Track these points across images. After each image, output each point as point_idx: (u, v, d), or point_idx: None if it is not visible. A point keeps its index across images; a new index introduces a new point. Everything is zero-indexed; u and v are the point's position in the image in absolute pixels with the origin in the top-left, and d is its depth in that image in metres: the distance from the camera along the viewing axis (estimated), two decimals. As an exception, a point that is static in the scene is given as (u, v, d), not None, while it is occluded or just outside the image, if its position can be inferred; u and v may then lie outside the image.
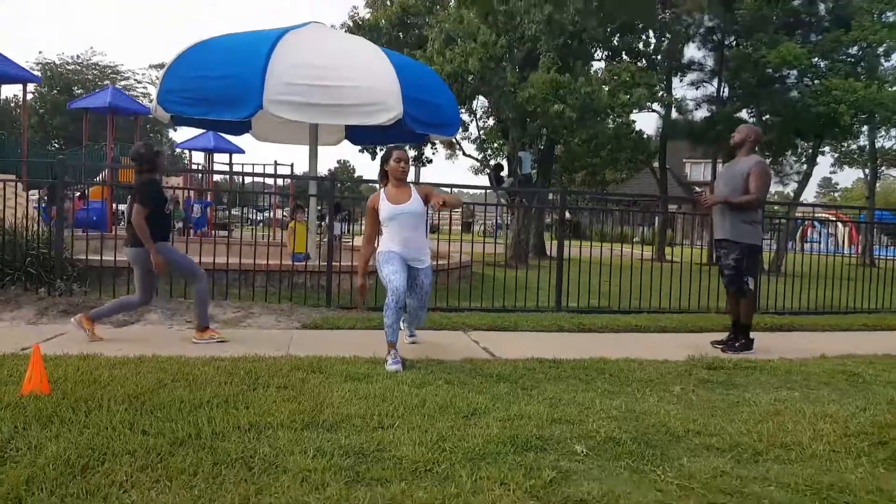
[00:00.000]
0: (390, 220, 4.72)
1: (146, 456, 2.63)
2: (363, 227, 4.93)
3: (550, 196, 16.36)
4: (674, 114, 18.28)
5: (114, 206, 14.55)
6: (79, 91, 41.55)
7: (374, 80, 8.07)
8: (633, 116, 15.59)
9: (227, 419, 3.08)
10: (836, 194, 58.78)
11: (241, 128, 10.38)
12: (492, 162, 18.40)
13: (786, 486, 2.55)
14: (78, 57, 43.72)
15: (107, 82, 42.75)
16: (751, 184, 5.34)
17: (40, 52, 65.59)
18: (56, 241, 6.26)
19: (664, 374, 4.44)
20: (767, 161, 18.37)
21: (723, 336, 5.74)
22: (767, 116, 16.99)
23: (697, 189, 7.51)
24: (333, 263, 7.20)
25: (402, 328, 5.27)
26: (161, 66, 52.93)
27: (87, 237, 7.51)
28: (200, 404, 3.27)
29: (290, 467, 2.61)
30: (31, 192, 10.76)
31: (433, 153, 18.62)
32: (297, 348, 4.90)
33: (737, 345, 5.51)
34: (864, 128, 17.44)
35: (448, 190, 6.68)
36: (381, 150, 18.06)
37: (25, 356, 4.12)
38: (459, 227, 18.22)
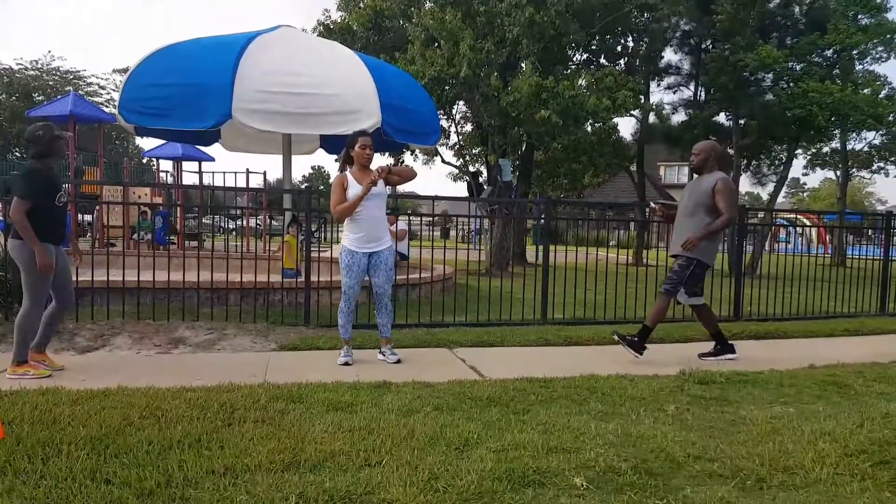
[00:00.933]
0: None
1: (110, 511, 2.39)
2: (333, 209, 5.04)
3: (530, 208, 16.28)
4: (651, 118, 18.35)
5: (79, 217, 14.05)
6: (39, 98, 40.39)
7: (350, 86, 7.84)
8: (613, 121, 15.58)
9: (199, 462, 2.84)
10: (805, 194, 59.92)
11: (210, 138, 10.08)
12: (471, 168, 18.25)
13: (798, 520, 2.41)
14: (37, 62, 42.48)
15: (69, 88, 41.70)
16: (720, 203, 5.30)
17: (-5, 58, 63.79)
18: (11, 261, 5.88)
19: (656, 391, 4.31)
20: (743, 164, 18.65)
21: (709, 346, 5.68)
22: (744, 120, 17.15)
23: (653, 204, 7.49)
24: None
25: (381, 355, 5.28)
26: (125, 70, 51.97)
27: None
28: (171, 445, 3.03)
29: (270, 518, 2.40)
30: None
31: (413, 160, 18.33)
32: (274, 373, 4.66)
33: (713, 350, 5.55)
34: (838, 131, 17.71)
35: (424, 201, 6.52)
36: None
37: (-20, 393, 3.84)
38: (439, 234, 18.10)
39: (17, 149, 39.64)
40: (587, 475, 2.81)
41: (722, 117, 18.40)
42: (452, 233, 20.82)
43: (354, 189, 4.99)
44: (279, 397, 3.92)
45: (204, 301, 6.56)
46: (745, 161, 18.63)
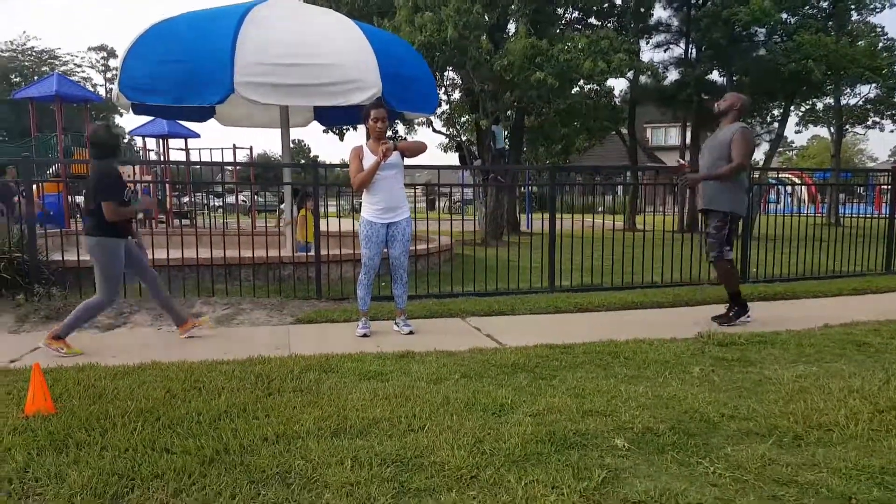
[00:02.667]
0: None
1: (177, 479, 2.48)
2: (352, 179, 5.19)
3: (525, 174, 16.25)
4: (641, 78, 18.24)
5: (69, 198, 13.89)
6: (16, 79, 39.66)
7: (350, 56, 7.72)
8: (608, 84, 15.47)
9: (251, 431, 2.93)
10: (792, 153, 60.10)
11: (206, 114, 9.93)
12: (464, 137, 18.15)
13: (838, 472, 2.54)
14: (12, 43, 41.67)
15: (45, 68, 40.90)
16: (733, 151, 5.32)
17: (-32, 39, 62.51)
18: (30, 243, 5.90)
19: (678, 354, 4.43)
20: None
21: (722, 309, 5.78)
22: (737, 77, 17.04)
23: (680, 160, 7.50)
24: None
25: (396, 326, 5.39)
26: (101, 48, 51.03)
27: (46, 234, 7.12)
28: (219, 415, 3.11)
29: (330, 481, 2.49)
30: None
31: (408, 132, 18.18)
32: (297, 345, 4.74)
33: (730, 314, 5.56)
34: (832, 86, 17.62)
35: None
36: (346, 129, 17.69)
37: (16, 371, 3.90)
38: (424, 205, 18.06)
39: (1, 132, 38.91)
40: (627, 436, 2.92)
41: (715, 75, 18.29)
42: (439, 204, 20.72)
43: (369, 160, 5.08)
44: (310, 368, 4.01)
45: (216, 277, 6.59)
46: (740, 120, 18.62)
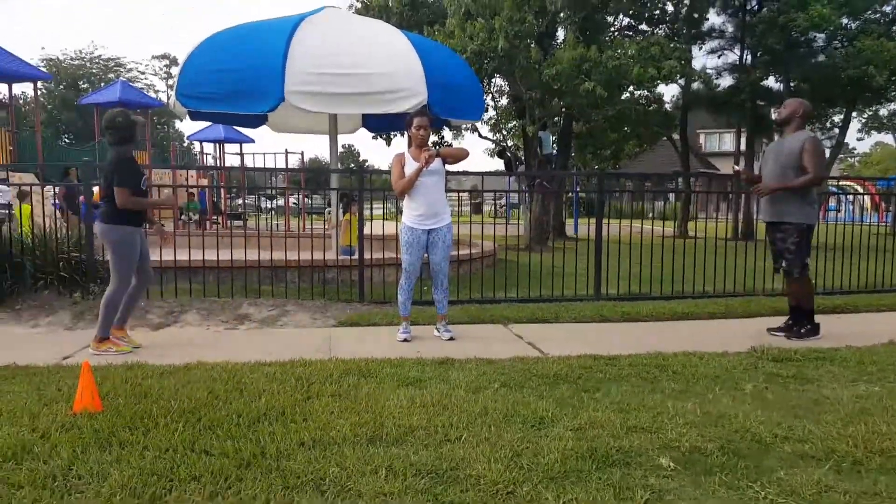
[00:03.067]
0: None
1: (214, 481, 2.49)
2: (394, 185, 5.23)
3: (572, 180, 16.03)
4: (694, 84, 17.84)
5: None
6: (84, 86, 41.59)
7: (396, 65, 7.83)
8: (658, 90, 15.17)
9: (288, 435, 2.94)
10: (854, 160, 57.57)
11: (258, 120, 10.21)
12: (510, 143, 18.05)
13: (901, 503, 2.38)
14: (81, 52, 43.87)
15: (111, 75, 42.80)
16: (807, 162, 5.08)
17: (43, 49, 65.86)
18: (87, 243, 6.13)
19: (729, 369, 4.26)
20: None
21: (777, 321, 5.54)
22: (795, 83, 16.51)
23: (737, 167, 7.22)
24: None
25: (437, 331, 5.33)
26: (164, 56, 53.16)
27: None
28: (258, 418, 3.13)
29: (364, 490, 2.47)
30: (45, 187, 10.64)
31: (455, 138, 18.20)
32: (338, 349, 4.76)
33: (802, 331, 5.29)
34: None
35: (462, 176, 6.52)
36: (394, 135, 17.83)
37: (69, 367, 4.03)
38: (469, 209, 18.03)
39: (67, 136, 40.87)
40: (672, 456, 2.80)
41: (771, 81, 17.77)
42: (486, 209, 20.64)
43: (411, 166, 5.10)
44: (350, 372, 4.01)
45: (263, 279, 6.70)
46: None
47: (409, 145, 5.29)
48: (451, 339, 5.20)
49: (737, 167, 5.99)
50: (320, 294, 6.62)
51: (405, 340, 5.13)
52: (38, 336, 5.21)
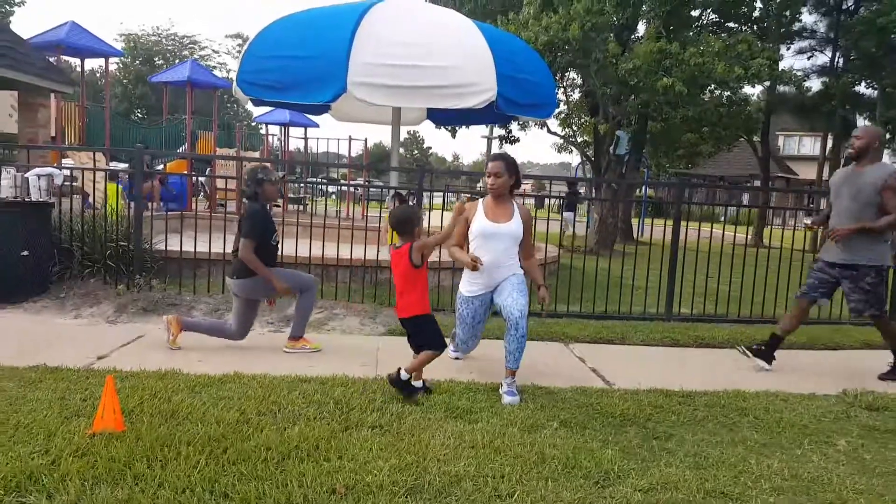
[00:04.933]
0: (482, 238, 4.08)
1: (229, 536, 2.20)
2: (442, 235, 4.23)
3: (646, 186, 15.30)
4: (780, 86, 16.75)
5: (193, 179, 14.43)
6: (159, 62, 42.78)
7: (466, 58, 7.42)
8: (743, 91, 14.23)
9: (320, 478, 2.62)
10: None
11: (321, 108, 10.00)
12: (578, 139, 17.38)
13: None
14: (158, 28, 45.19)
15: (185, 52, 43.93)
16: (889, 203, 4.51)
17: (122, 24, 68.24)
18: (136, 234, 5.99)
19: (818, 416, 3.74)
20: (888, 138, 16.68)
21: (867, 355, 5.08)
22: (889, 89, 15.33)
23: (806, 222, 6.42)
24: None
25: (501, 387, 3.96)
26: (236, 35, 54.20)
27: (167, 219, 7.24)
28: (288, 453, 2.83)
29: (397, 560, 2.12)
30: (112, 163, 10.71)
31: (523, 132, 17.65)
32: (384, 363, 4.42)
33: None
34: None
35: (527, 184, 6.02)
36: (459, 127, 17.42)
37: (99, 372, 3.83)
38: (533, 202, 17.49)
39: (140, 110, 42.21)
40: (762, 536, 2.36)
41: (863, 86, 16.57)
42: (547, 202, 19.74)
43: (478, 224, 4.09)
44: (394, 398, 3.68)
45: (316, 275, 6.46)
46: (890, 135, 16.73)
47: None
48: (511, 404, 3.78)
49: (806, 222, 5.40)
50: (371, 297, 6.33)
51: (457, 358, 4.76)
52: (78, 329, 5.09)
